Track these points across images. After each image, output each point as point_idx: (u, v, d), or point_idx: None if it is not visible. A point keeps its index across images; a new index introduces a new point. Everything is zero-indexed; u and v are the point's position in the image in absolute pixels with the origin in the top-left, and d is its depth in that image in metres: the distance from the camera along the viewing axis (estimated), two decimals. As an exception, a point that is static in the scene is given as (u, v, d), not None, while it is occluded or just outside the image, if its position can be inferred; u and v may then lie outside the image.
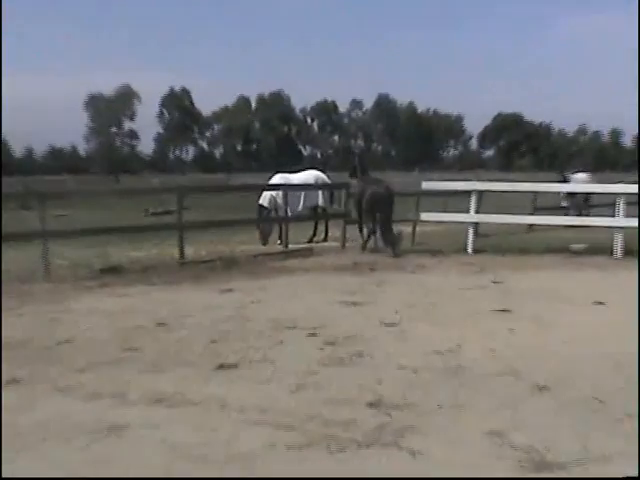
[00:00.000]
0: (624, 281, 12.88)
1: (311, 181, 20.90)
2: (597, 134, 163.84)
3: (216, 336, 8.81)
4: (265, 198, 20.35)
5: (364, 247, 17.77)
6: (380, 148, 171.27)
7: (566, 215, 24.66)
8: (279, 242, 19.48)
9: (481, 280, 12.95)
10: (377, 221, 17.49)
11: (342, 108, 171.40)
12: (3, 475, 5.06)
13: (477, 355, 7.92)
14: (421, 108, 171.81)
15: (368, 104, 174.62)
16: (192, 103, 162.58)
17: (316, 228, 20.96)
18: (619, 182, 20.10)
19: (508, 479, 5.12)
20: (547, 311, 10.27)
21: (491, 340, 8.55)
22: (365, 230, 17.99)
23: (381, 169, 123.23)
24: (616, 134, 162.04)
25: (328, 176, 21.93)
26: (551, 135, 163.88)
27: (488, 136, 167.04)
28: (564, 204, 27.08)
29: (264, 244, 19.40)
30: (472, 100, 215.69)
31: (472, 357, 7.84)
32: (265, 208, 20.24)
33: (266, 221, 20.05)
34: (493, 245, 18.08)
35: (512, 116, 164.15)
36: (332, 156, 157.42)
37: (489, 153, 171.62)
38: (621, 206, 16.77)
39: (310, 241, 20.55)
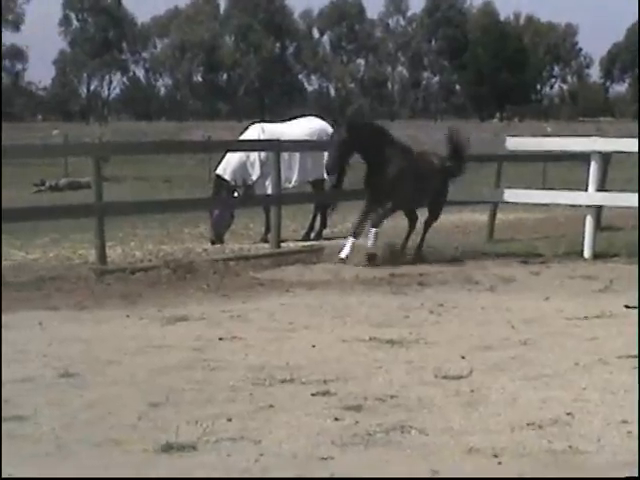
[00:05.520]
0: None
1: (313, 137, 15.21)
2: None
3: (157, 397, 6.85)
4: (228, 166, 15.01)
5: (404, 247, 13.05)
6: (437, 80, 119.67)
7: None
8: (263, 237, 14.96)
9: (607, 305, 10.40)
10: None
11: (372, 13, 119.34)
12: (3, 475, 5.27)
13: (601, 434, 5.90)
14: (505, 13, 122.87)
15: (416, 6, 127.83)
16: (119, 2, 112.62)
17: (315, 216, 15.75)
18: None
19: (508, 479, 5.14)
20: None
21: (623, 409, 6.54)
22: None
23: (437, 115, 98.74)
24: None
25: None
26: None
27: (619, 61, 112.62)
28: None
29: (214, 242, 14.64)
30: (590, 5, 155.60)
31: (592, 437, 5.81)
32: (225, 183, 15.07)
33: (224, 204, 14.81)
34: (628, 245, 14.27)
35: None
36: (355, 93, 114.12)
37: (620, 89, 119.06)
38: None
39: (306, 237, 15.52)
